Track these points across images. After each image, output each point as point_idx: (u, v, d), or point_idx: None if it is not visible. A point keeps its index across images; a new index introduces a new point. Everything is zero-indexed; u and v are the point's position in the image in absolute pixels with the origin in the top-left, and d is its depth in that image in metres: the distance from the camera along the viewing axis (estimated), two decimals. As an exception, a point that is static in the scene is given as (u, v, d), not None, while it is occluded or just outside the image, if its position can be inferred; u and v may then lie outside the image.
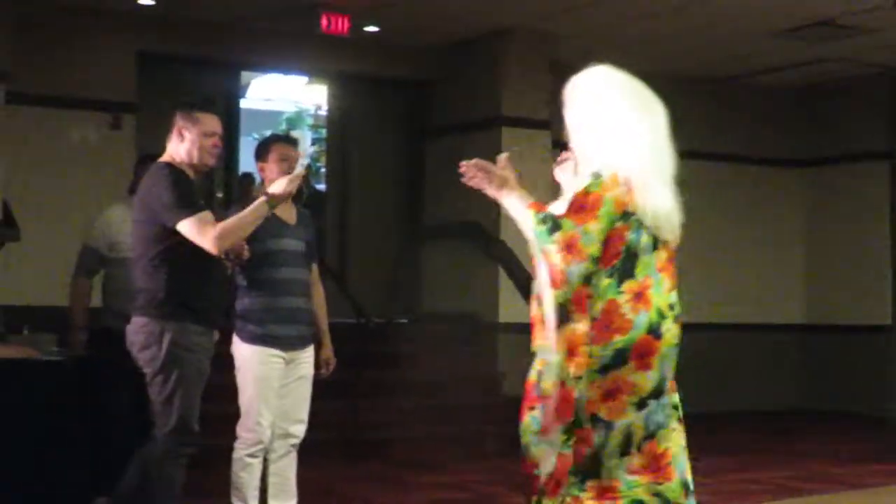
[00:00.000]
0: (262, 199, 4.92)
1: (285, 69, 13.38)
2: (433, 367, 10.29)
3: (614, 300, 3.66)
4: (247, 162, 9.45)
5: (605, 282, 3.67)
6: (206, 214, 4.82)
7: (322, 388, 5.92)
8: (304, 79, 16.81)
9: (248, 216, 4.89)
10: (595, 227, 3.64)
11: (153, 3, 9.97)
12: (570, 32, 10.45)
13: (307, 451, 5.81)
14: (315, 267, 5.83)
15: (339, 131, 12.16)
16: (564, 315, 3.73)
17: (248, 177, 11.40)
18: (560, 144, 12.04)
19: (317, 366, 5.76)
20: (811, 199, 12.93)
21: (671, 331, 3.71)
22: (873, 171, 12.26)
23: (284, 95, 20.77)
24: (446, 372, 10.27)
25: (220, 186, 11.34)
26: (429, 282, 11.63)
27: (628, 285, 3.67)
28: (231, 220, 4.89)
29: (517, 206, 3.82)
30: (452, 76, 11.41)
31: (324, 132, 15.50)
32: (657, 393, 3.70)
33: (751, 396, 12.45)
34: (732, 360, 12.49)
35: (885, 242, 12.12)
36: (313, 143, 20.67)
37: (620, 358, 3.64)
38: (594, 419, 3.67)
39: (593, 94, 3.88)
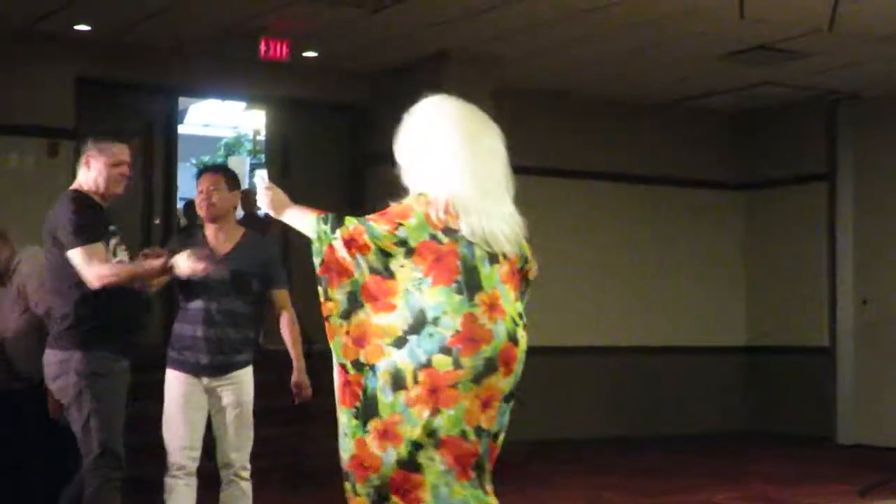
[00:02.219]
0: (146, 266, 5.15)
1: (224, 94, 13.32)
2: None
3: (471, 313, 3.83)
4: (187, 187, 9.39)
5: (456, 298, 3.83)
6: (98, 247, 4.99)
7: (269, 416, 5.88)
8: (243, 104, 16.76)
9: (130, 272, 5.11)
10: (384, 228, 3.92)
11: (91, 28, 9.89)
12: (512, 55, 10.48)
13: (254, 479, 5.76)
14: (278, 292, 5.80)
15: (278, 156, 12.11)
16: (355, 303, 3.95)
17: (192, 205, 11.31)
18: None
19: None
20: (750, 221, 13.03)
21: (524, 337, 3.95)
22: (811, 194, 12.38)
23: (223, 121, 20.70)
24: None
25: (158, 213, 11.24)
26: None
27: (480, 297, 3.85)
28: (121, 268, 5.08)
29: (299, 217, 4.20)
30: (393, 100, 11.32)
31: (262, 157, 15.44)
32: (511, 395, 3.97)
33: (694, 419, 12.50)
34: (675, 384, 12.55)
35: (822, 264, 12.23)
36: (252, 169, 20.62)
37: (491, 366, 3.83)
38: (478, 430, 3.88)
39: (424, 122, 4.24)
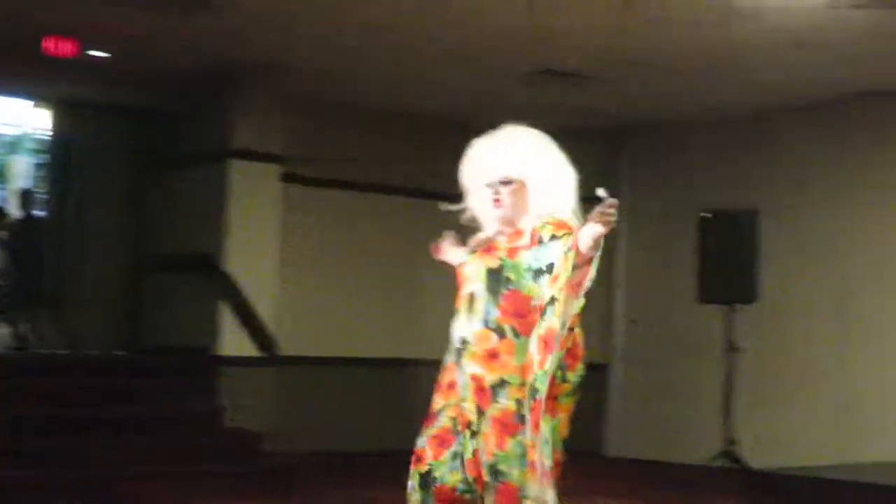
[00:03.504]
0: None
1: (8, 92, 12.95)
2: (153, 402, 10.11)
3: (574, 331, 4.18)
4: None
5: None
6: None
7: (43, 424, 5.76)
8: (30, 102, 16.30)
9: None
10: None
11: None
12: (308, 66, 10.48)
13: (33, 489, 5.62)
14: None
15: (62, 157, 11.84)
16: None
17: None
18: (291, 178, 12.13)
19: None
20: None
21: None
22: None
23: (7, 119, 20.11)
24: (166, 407, 10.10)
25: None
26: (151, 314, 11.43)
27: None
28: None
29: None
30: (184, 106, 11.27)
31: (46, 158, 15.07)
32: None
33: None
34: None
35: (601, 283, 12.56)
36: (37, 169, 20.06)
37: (582, 381, 4.27)
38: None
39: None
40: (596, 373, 12.35)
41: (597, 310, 12.59)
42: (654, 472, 10.68)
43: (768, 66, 9.88)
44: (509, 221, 4.34)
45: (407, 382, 12.37)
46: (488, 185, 4.37)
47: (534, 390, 4.00)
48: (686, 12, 8.45)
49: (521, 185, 4.33)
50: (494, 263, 4.25)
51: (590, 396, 12.82)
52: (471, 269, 4.31)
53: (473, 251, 4.39)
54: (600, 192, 3.89)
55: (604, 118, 11.80)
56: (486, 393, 4.14)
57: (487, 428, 4.14)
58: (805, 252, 11.24)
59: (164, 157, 11.47)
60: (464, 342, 4.22)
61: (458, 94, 11.48)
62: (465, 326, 4.23)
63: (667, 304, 12.00)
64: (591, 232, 3.92)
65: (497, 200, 4.35)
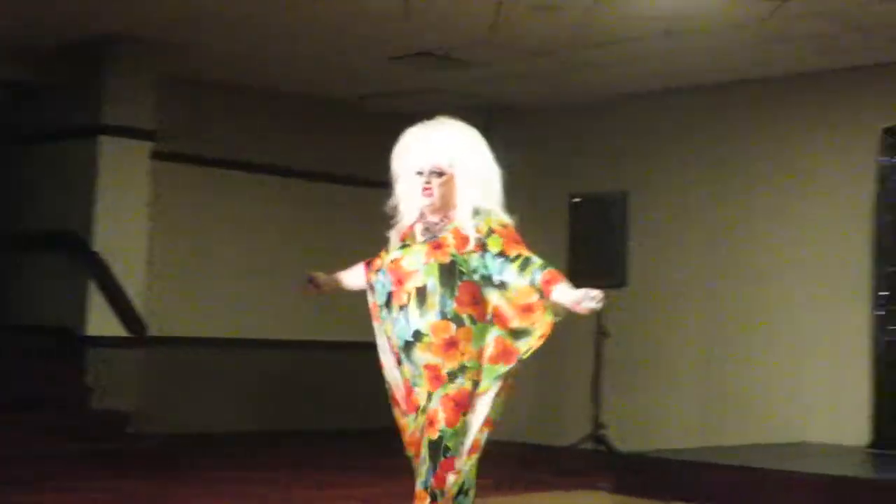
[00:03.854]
0: None
1: None
2: (18, 382, 9.91)
3: None
4: None
5: None
6: None
7: None
8: None
9: None
10: None
11: None
12: (182, 43, 10.34)
13: None
14: None
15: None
16: None
17: None
18: (162, 155, 11.95)
19: None
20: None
21: None
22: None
23: None
24: (31, 387, 9.91)
25: None
26: (17, 292, 11.19)
27: None
28: None
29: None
30: (53, 80, 11.03)
31: None
32: None
33: (335, 414, 12.56)
34: (315, 378, 12.50)
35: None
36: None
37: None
38: None
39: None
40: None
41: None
42: (525, 454, 10.77)
43: (639, 52, 10.03)
44: (435, 211, 4.47)
45: (283, 364, 12.33)
46: (418, 173, 4.47)
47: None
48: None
49: (450, 178, 4.47)
50: (446, 259, 4.37)
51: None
52: (413, 263, 4.40)
53: (405, 245, 4.48)
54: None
55: (476, 100, 11.84)
56: (442, 379, 4.33)
57: (437, 405, 4.32)
58: (675, 237, 11.42)
59: (34, 132, 11.22)
60: (417, 334, 4.33)
61: (335, 74, 11.44)
62: (418, 320, 4.34)
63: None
64: (569, 302, 4.25)
65: (427, 189, 4.46)
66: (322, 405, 12.54)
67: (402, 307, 4.37)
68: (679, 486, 8.32)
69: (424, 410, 4.35)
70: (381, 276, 4.48)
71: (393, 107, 11.81)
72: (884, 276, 10.04)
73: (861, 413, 10.04)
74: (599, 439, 10.06)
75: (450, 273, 4.35)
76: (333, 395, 12.61)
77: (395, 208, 4.60)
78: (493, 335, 4.36)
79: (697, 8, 8.73)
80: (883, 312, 10.02)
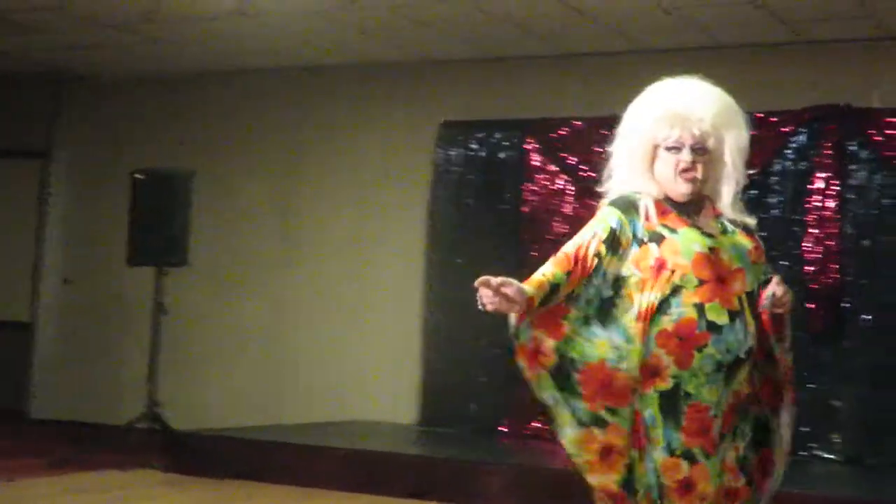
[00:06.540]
0: None
1: None
2: None
3: None
4: None
5: None
6: None
7: None
8: None
9: None
10: None
11: None
12: None
13: None
14: None
15: None
16: None
17: None
18: None
19: None
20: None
21: None
22: (25, 169, 12.32)
23: None
24: None
25: None
26: None
27: None
28: None
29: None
30: None
31: None
32: None
33: None
34: None
35: (30, 240, 12.21)
36: None
37: None
38: None
39: None
40: (22, 332, 12.06)
41: (24, 267, 12.24)
42: (80, 433, 10.57)
43: (212, 31, 10.01)
44: (700, 199, 3.52)
45: None
46: (673, 148, 3.45)
47: None
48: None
49: (714, 158, 3.48)
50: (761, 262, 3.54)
51: (14, 356, 12.56)
52: (735, 259, 3.46)
53: (686, 225, 3.44)
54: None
55: (44, 66, 11.48)
56: None
57: None
58: (241, 216, 11.51)
59: None
60: (749, 352, 3.45)
61: None
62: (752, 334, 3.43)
63: (101, 264, 11.82)
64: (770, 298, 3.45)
65: (688, 172, 3.45)
66: None
67: (733, 312, 3.40)
68: (233, 465, 8.43)
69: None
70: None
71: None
72: (436, 262, 10.56)
73: (412, 392, 10.54)
74: (155, 417, 9.97)
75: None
76: None
77: (608, 173, 3.60)
78: None
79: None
80: (433, 295, 10.51)
